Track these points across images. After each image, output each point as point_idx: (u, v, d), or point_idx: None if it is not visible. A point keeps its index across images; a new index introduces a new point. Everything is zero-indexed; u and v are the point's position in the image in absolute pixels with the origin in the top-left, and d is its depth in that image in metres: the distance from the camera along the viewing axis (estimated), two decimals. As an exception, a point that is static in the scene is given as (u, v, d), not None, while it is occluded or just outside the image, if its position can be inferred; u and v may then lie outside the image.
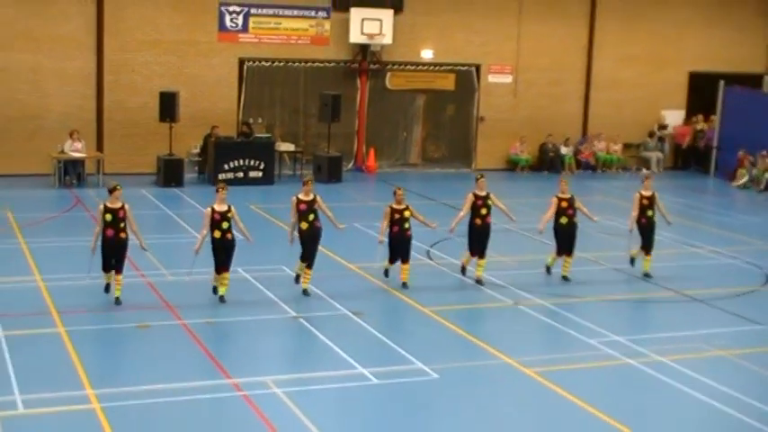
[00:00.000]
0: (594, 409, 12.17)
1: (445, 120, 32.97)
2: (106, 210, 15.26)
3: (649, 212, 18.52)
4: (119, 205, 15.34)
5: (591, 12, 33.21)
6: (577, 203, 18.13)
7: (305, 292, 16.49)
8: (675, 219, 22.50)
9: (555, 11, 32.68)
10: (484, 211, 17.36)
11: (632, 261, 18.88)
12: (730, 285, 18.54)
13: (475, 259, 17.65)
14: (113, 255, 15.43)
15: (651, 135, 34.37)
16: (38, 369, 12.83)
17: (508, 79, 32.65)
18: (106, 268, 15.51)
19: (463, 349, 14.34)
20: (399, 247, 17.15)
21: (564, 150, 33.01)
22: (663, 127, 34.77)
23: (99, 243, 15.37)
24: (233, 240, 15.79)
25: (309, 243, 16.40)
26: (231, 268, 15.98)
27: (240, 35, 29.43)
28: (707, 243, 21.80)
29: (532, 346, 14.74)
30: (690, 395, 12.85)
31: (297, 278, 16.82)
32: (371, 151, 31.36)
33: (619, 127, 33.63)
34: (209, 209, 15.64)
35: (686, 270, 19.46)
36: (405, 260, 17.23)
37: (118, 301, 15.49)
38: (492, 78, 32.50)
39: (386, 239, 17.36)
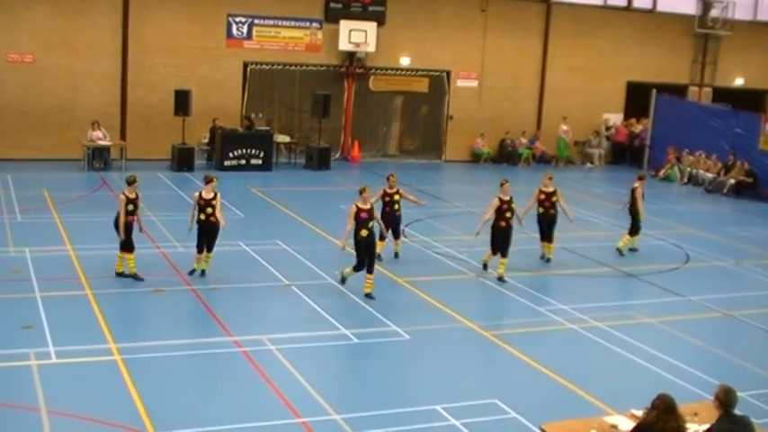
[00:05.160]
0: (542, 366, 12.24)
1: (419, 117, 32.89)
2: (128, 201, 14.94)
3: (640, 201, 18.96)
4: (134, 195, 15.01)
5: (545, 28, 33.15)
6: (556, 197, 17.71)
7: (368, 296, 14.81)
8: (613, 206, 22.54)
9: (514, 27, 32.61)
10: (508, 215, 16.28)
11: (628, 250, 19.14)
12: (658, 263, 18.64)
13: (496, 257, 16.56)
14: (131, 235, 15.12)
15: (595, 134, 34.43)
16: (68, 325, 12.79)
17: (474, 84, 32.57)
18: (132, 249, 15.10)
19: (431, 314, 14.35)
20: (390, 225, 17.04)
21: (521, 146, 32.94)
22: (609, 128, 34.84)
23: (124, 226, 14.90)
24: (216, 224, 15.28)
25: (367, 250, 14.81)
26: (228, 244, 15.67)
27: (245, 42, 29.24)
28: (639, 227, 21.86)
29: (490, 313, 14.80)
30: (621, 355, 12.94)
31: (343, 280, 15.34)
32: (356, 143, 31.27)
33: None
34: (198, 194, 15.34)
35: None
36: (396, 236, 17.36)
37: (137, 277, 15.08)
38: (460, 83, 32.42)
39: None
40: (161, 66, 28.18)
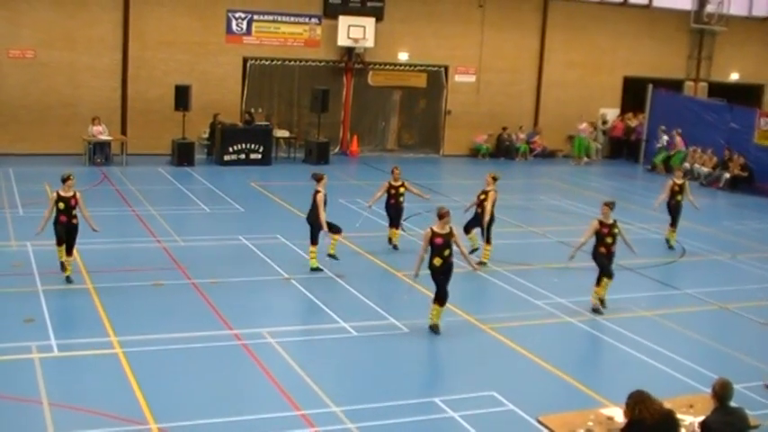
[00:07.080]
0: (539, 358, 12.25)
1: (418, 112, 32.88)
2: (59, 198, 14.29)
3: (678, 197, 19.25)
4: (71, 194, 14.36)
5: (542, 24, 33.14)
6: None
7: (433, 328, 13.14)
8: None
9: (512, 22, 32.59)
10: (609, 240, 14.32)
11: (668, 242, 19.59)
12: (654, 256, 18.63)
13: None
14: (66, 237, 14.47)
15: (592, 128, 34.38)
16: (70, 319, 12.84)
17: (472, 79, 32.55)
18: (60, 242, 14.39)
19: (429, 308, 14.33)
20: (395, 216, 17.70)
21: (518, 140, 32.96)
22: (605, 122, 34.85)
23: (51, 224, 14.38)
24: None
25: (443, 279, 12.96)
26: (228, 238, 15.65)
27: (244, 37, 29.20)
28: (636, 220, 21.83)
29: (489, 306, 14.79)
30: (618, 348, 12.95)
31: (435, 327, 13.06)
32: (354, 138, 31.26)
33: (564, 121, 33.60)
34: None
35: (618, 243, 19.50)
36: (396, 226, 17.83)
37: (69, 280, 14.39)
38: (458, 78, 32.39)
39: (374, 207, 18.06)
40: (161, 61, 28.14)
